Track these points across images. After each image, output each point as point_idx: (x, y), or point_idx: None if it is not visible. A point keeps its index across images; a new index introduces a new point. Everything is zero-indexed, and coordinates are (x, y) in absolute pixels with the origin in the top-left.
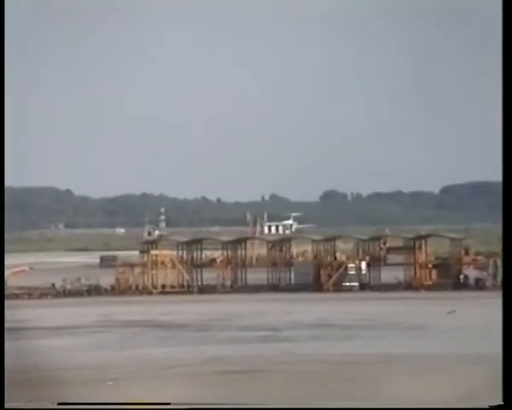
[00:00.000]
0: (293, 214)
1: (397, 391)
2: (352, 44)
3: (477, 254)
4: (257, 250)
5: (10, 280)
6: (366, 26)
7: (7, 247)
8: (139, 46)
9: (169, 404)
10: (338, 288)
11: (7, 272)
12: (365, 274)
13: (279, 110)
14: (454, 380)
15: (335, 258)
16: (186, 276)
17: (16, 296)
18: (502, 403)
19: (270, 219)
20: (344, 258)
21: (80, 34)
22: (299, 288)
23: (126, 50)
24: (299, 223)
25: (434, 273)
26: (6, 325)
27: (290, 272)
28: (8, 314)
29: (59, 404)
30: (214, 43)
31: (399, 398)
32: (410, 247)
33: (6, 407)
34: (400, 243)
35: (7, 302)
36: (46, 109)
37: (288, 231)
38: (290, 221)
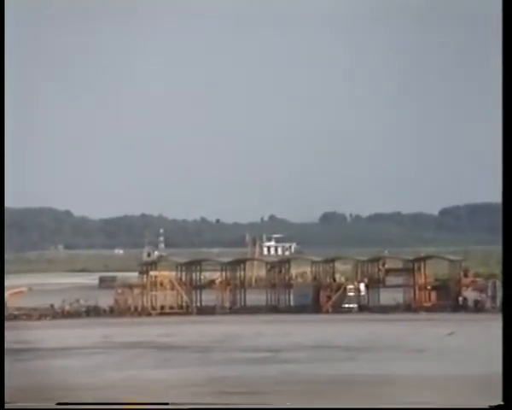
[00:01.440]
0: (275, 236)
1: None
2: (351, 53)
3: (476, 275)
4: (256, 271)
5: (9, 301)
6: (369, 32)
7: (6, 267)
8: (138, 59)
9: (167, 404)
10: (337, 309)
11: (5, 294)
12: (364, 296)
13: (278, 131)
14: (451, 400)
15: (334, 279)
16: (185, 297)
17: (15, 317)
18: (502, 403)
19: (269, 240)
20: (343, 279)
21: (78, 46)
22: (298, 309)
23: (124, 64)
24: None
25: (433, 295)
26: (5, 346)
27: (289, 294)
28: (7, 335)
29: (57, 404)
30: (212, 55)
31: None
32: (410, 268)
33: (6, 407)
34: (399, 265)
35: (7, 324)
36: (46, 130)
37: (287, 253)
38: (272, 242)
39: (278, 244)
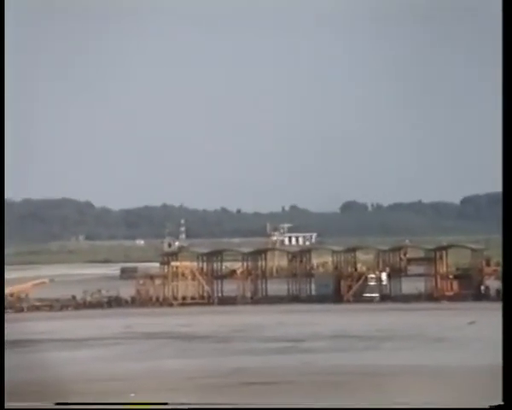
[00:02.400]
0: (284, 225)
1: (416, 401)
2: (365, 50)
3: (498, 264)
4: (277, 261)
5: (31, 292)
6: (378, 31)
7: (28, 258)
8: (151, 55)
9: (167, 404)
10: (358, 299)
11: (28, 284)
12: (386, 285)
13: (299, 120)
14: (472, 390)
15: (356, 269)
16: (206, 287)
17: (37, 308)
18: (502, 403)
19: (290, 230)
20: (364, 269)
21: (96, 47)
22: (319, 299)
23: (141, 60)
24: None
25: (455, 284)
26: (28, 337)
27: (310, 283)
28: (29, 326)
29: (56, 404)
30: (222, 52)
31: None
32: (431, 258)
33: (6, 407)
34: (421, 254)
35: (29, 314)
36: (67, 121)
37: (308, 242)
38: (285, 234)
39: (293, 234)
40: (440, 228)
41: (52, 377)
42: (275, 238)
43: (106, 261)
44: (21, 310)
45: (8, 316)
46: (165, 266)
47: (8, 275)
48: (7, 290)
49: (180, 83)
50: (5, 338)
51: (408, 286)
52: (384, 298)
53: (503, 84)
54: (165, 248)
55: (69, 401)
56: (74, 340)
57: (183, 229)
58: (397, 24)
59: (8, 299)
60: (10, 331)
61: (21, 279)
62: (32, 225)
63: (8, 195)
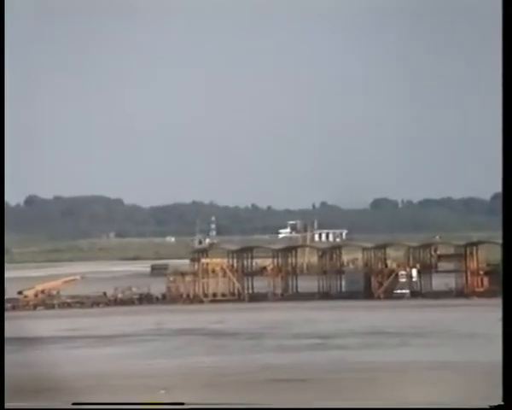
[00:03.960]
0: (291, 222)
1: (446, 398)
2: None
3: None
4: (307, 258)
5: (62, 289)
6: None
7: (59, 256)
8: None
9: (168, 404)
10: (389, 295)
11: (59, 282)
12: (416, 281)
13: (329, 117)
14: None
15: (386, 265)
16: (237, 284)
17: (68, 305)
18: (502, 403)
19: (321, 227)
20: (395, 265)
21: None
22: (350, 295)
23: (157, 54)
24: (298, 231)
25: (486, 280)
26: (59, 333)
27: (341, 280)
28: (62, 323)
29: (73, 404)
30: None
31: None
32: (462, 254)
33: (6, 407)
34: (451, 250)
35: (60, 311)
36: (97, 119)
37: (338, 239)
38: (288, 229)
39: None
40: (471, 224)
41: (84, 373)
42: (304, 235)
43: (136, 258)
44: (52, 307)
45: (39, 313)
46: (196, 263)
47: (39, 272)
48: (39, 287)
49: (207, 79)
50: (34, 335)
51: (438, 282)
52: (414, 294)
53: (503, 83)
54: (196, 245)
55: (85, 401)
56: (105, 337)
57: (213, 226)
58: (397, 20)
59: (39, 296)
60: (42, 328)
61: (52, 276)
62: (62, 222)
63: (39, 193)
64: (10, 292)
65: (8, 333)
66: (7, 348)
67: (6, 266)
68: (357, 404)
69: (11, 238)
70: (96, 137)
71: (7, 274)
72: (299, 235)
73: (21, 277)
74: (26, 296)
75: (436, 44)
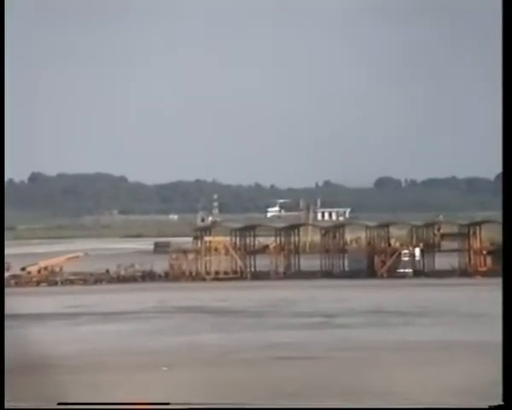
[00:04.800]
0: (280, 201)
1: (451, 378)
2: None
3: None
4: (310, 237)
5: (65, 266)
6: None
7: (62, 232)
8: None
9: (169, 404)
10: (392, 274)
11: (62, 258)
12: (419, 260)
13: (332, 96)
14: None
15: (389, 244)
16: (239, 262)
17: (71, 282)
18: (502, 403)
19: (324, 205)
20: (398, 244)
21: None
22: (352, 274)
23: (161, 39)
24: (287, 210)
25: (489, 260)
26: (63, 310)
27: (344, 259)
28: (64, 300)
29: (59, 404)
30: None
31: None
32: (465, 233)
33: (6, 407)
34: (455, 230)
35: (63, 288)
36: (101, 96)
37: (341, 218)
38: (276, 208)
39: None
40: (474, 204)
41: (86, 349)
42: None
43: (139, 236)
44: (55, 284)
45: (42, 289)
46: (199, 241)
47: (42, 249)
48: (42, 264)
49: (212, 59)
50: (36, 311)
51: (441, 262)
52: (417, 274)
53: (502, 83)
54: (199, 222)
55: (71, 401)
56: (108, 314)
57: (216, 204)
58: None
59: (42, 273)
60: (45, 305)
61: (55, 253)
62: (66, 199)
63: (42, 170)
64: (14, 269)
65: (10, 309)
66: (9, 324)
67: (10, 242)
68: (357, 404)
69: (15, 215)
70: (100, 114)
71: (12, 251)
72: (288, 214)
73: (25, 253)
74: (29, 273)
75: (443, 26)
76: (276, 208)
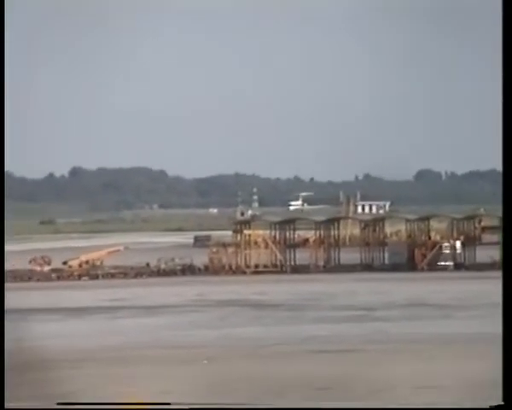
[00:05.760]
0: (303, 194)
1: (492, 370)
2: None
3: None
4: (350, 230)
5: (106, 260)
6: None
7: (103, 226)
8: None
9: (169, 404)
10: (432, 267)
11: (103, 252)
12: (460, 253)
13: (373, 90)
14: None
15: (429, 237)
16: (279, 256)
17: (112, 276)
18: (502, 403)
19: (364, 198)
20: (438, 237)
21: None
22: (392, 267)
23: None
24: (310, 203)
25: None
26: (104, 304)
27: (384, 252)
28: (105, 294)
29: (58, 404)
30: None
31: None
32: None
33: (6, 407)
34: (496, 223)
35: (104, 282)
36: (141, 90)
37: (381, 211)
38: (299, 201)
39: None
40: None
41: (126, 343)
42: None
43: (179, 230)
44: (96, 277)
45: (83, 283)
46: (238, 235)
47: (83, 243)
48: (83, 257)
49: (251, 51)
50: (78, 305)
51: (482, 255)
52: (458, 267)
53: (503, 83)
54: (238, 216)
55: (71, 401)
56: (148, 307)
57: (255, 197)
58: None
59: (83, 266)
60: (86, 298)
61: (96, 247)
62: (106, 193)
63: (83, 164)
64: (55, 262)
65: (51, 303)
66: (51, 317)
67: (50, 236)
68: (357, 404)
69: (55, 209)
70: (140, 109)
71: (52, 245)
72: (311, 207)
73: (65, 247)
74: (70, 266)
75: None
76: (299, 202)
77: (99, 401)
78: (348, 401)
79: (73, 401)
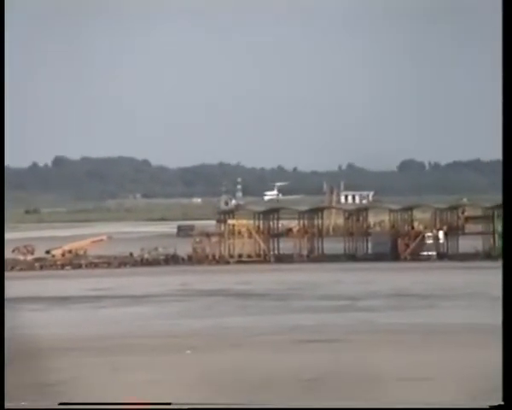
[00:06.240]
0: (278, 184)
1: (477, 360)
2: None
3: None
4: (334, 220)
5: (89, 249)
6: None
7: (86, 216)
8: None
9: (170, 404)
10: (415, 257)
11: (86, 241)
12: (443, 243)
13: (357, 78)
14: None
15: (413, 227)
16: (263, 245)
17: (95, 265)
18: (502, 403)
19: (347, 188)
20: (421, 227)
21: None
22: (376, 257)
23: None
24: (284, 194)
25: None
26: (88, 293)
27: (367, 242)
28: (88, 283)
29: (60, 404)
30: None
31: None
32: (489, 216)
33: (6, 407)
34: (479, 213)
35: (87, 271)
36: (123, 80)
37: (364, 201)
38: (275, 191)
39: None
40: (499, 186)
41: (110, 332)
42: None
43: (163, 219)
44: (79, 267)
45: (66, 272)
46: (222, 224)
47: (66, 232)
48: (66, 247)
49: (237, 42)
50: (61, 294)
51: (465, 245)
52: (441, 256)
53: (503, 83)
54: (222, 206)
55: (73, 401)
56: (132, 297)
57: (239, 187)
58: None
59: (66, 256)
60: (69, 288)
61: (79, 236)
62: (90, 183)
63: (66, 153)
64: (38, 252)
65: (35, 292)
66: (34, 307)
67: (35, 225)
68: (357, 404)
69: (40, 198)
70: (124, 98)
71: (36, 234)
72: (285, 198)
73: (49, 236)
74: (53, 256)
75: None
76: (274, 192)
77: (99, 402)
78: (335, 392)
79: (74, 402)
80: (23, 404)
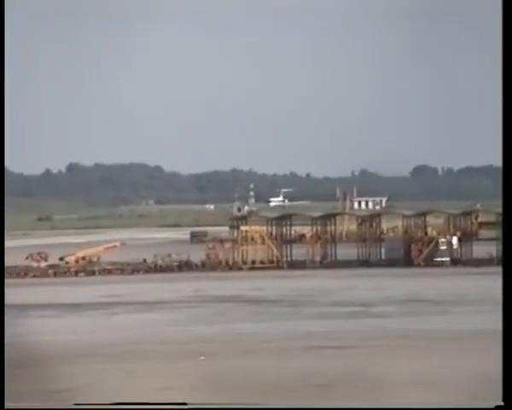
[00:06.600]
0: (284, 190)
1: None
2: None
3: None
4: (347, 226)
5: (103, 256)
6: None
7: (99, 222)
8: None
9: (169, 404)
10: (429, 263)
11: (99, 248)
12: (457, 249)
13: (371, 86)
14: None
15: (426, 233)
16: (276, 251)
17: (109, 272)
18: (502, 403)
19: (360, 194)
20: (435, 233)
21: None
22: (389, 263)
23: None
24: (290, 200)
25: None
26: (101, 299)
27: (380, 248)
28: (102, 289)
29: (74, 404)
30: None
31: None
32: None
33: (6, 407)
34: (492, 218)
35: (101, 278)
36: (137, 86)
37: (377, 207)
38: (280, 198)
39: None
40: None
41: (123, 339)
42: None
43: (176, 226)
44: (93, 273)
45: (80, 279)
46: (235, 231)
47: (79, 239)
48: (80, 254)
49: (253, 51)
50: (75, 301)
51: (479, 250)
52: (455, 262)
53: (503, 83)
54: (235, 212)
55: (86, 403)
56: (145, 303)
57: (252, 193)
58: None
59: (80, 262)
60: (83, 294)
61: (92, 243)
62: (103, 189)
63: (80, 160)
64: (52, 258)
65: (49, 299)
66: (48, 313)
67: (48, 232)
68: (356, 404)
69: (53, 205)
70: (137, 105)
71: (49, 241)
72: (292, 203)
73: (62, 243)
74: (67, 262)
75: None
76: (280, 198)
77: (105, 402)
78: (347, 398)
79: (77, 403)
80: (23, 404)
